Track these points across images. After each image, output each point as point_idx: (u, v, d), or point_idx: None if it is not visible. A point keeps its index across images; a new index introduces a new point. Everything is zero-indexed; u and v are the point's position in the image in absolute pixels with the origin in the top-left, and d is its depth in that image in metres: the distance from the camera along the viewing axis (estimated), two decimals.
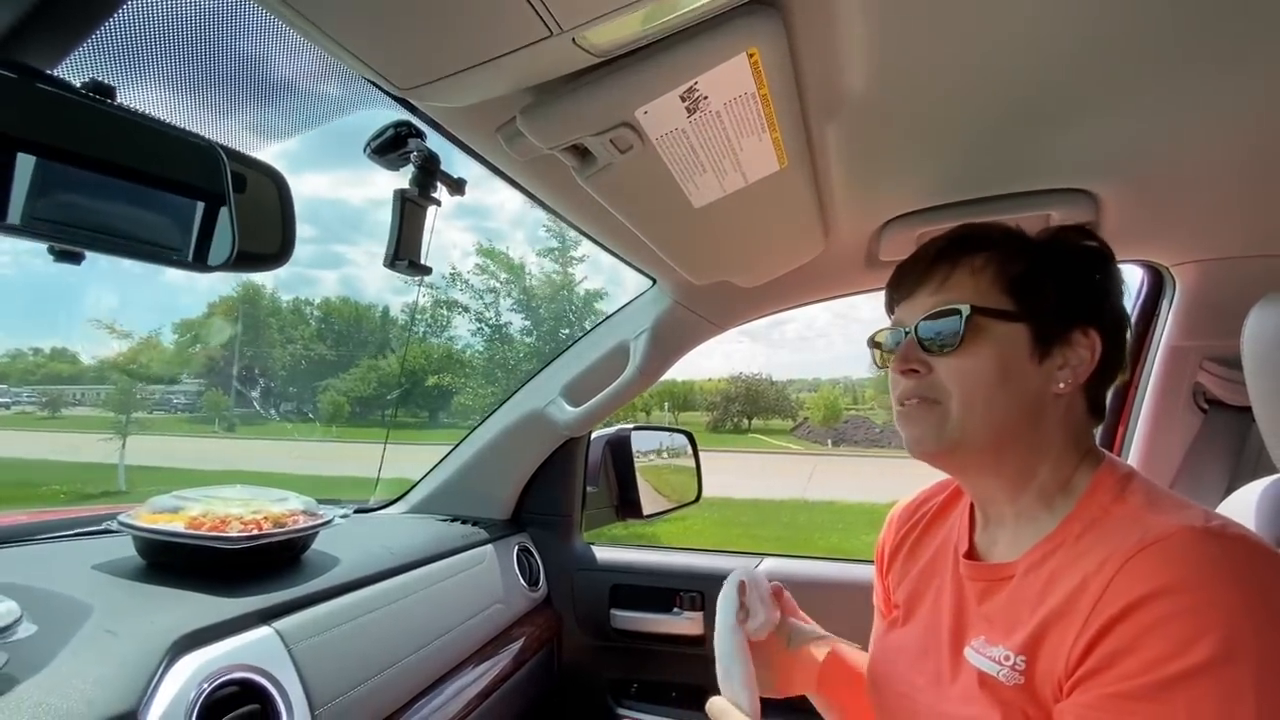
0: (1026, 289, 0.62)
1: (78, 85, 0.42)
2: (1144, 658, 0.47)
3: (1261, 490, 0.81)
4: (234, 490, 0.97)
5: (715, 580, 1.40)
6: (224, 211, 0.47)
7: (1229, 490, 0.89)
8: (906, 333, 0.66)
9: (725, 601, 0.76)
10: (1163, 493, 0.59)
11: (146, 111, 0.47)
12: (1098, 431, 1.30)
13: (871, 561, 0.88)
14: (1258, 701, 0.44)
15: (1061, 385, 0.62)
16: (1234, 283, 1.07)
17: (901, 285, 0.69)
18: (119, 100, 0.44)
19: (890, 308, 0.72)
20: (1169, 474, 1.18)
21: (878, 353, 0.72)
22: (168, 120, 0.48)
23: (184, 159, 0.46)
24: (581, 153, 0.62)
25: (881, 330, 0.72)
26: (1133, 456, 1.23)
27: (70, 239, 0.42)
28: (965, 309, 0.62)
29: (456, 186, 0.71)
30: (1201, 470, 1.15)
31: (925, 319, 0.64)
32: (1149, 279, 1.20)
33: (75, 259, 0.44)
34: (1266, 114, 0.68)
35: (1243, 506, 0.81)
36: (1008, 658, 0.56)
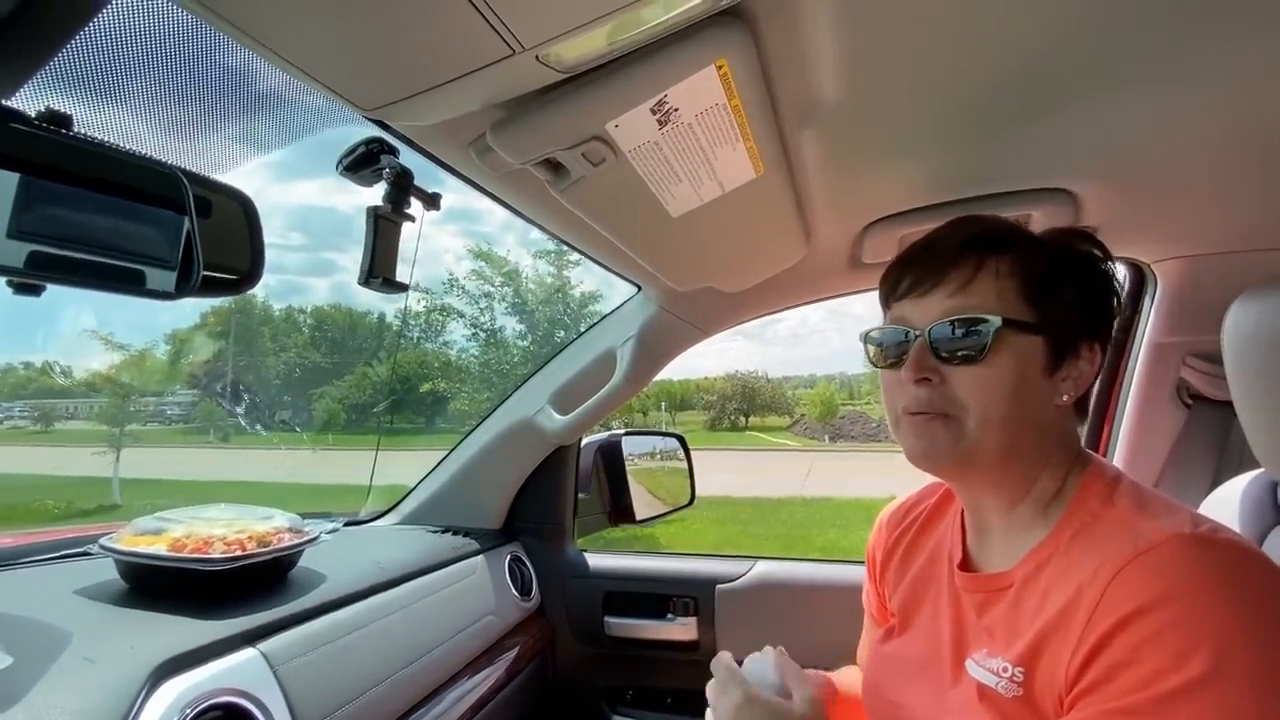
0: (1048, 300, 0.60)
1: (32, 115, 0.42)
2: (1141, 672, 0.47)
3: (1245, 484, 0.82)
4: (218, 509, 0.96)
5: (708, 585, 1.41)
6: (188, 236, 0.46)
7: (1214, 485, 0.89)
8: (915, 335, 0.62)
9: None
10: (1151, 495, 0.58)
11: (108, 138, 0.47)
12: (1083, 430, 1.31)
13: (863, 562, 0.87)
14: (1259, 711, 0.44)
15: (1065, 398, 0.61)
16: (1214, 279, 1.07)
17: (909, 280, 0.64)
18: (76, 129, 0.44)
19: (888, 301, 0.67)
20: (1154, 470, 1.19)
21: (874, 350, 0.67)
22: (131, 145, 0.48)
23: (145, 186, 0.46)
24: (554, 166, 0.62)
25: (879, 327, 0.67)
26: (1118, 454, 1.24)
27: (29, 275, 0.42)
28: (996, 321, 0.58)
29: (431, 201, 0.71)
30: (1187, 466, 1.16)
31: (944, 324, 0.60)
32: (1131, 276, 1.21)
33: (35, 291, 0.43)
34: (1245, 109, 0.68)
35: (1227, 501, 0.82)
36: (1005, 669, 0.56)
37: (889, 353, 0.65)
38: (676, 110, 0.57)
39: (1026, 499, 0.62)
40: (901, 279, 0.65)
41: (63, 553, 0.97)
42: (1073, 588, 0.53)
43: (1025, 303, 0.59)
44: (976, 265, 0.61)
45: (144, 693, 0.63)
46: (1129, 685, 0.47)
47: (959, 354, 0.59)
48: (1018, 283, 0.60)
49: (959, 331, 0.59)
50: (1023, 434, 0.60)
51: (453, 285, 14.73)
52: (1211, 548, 0.50)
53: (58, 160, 0.42)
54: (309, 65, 0.45)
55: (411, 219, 0.68)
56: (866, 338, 0.68)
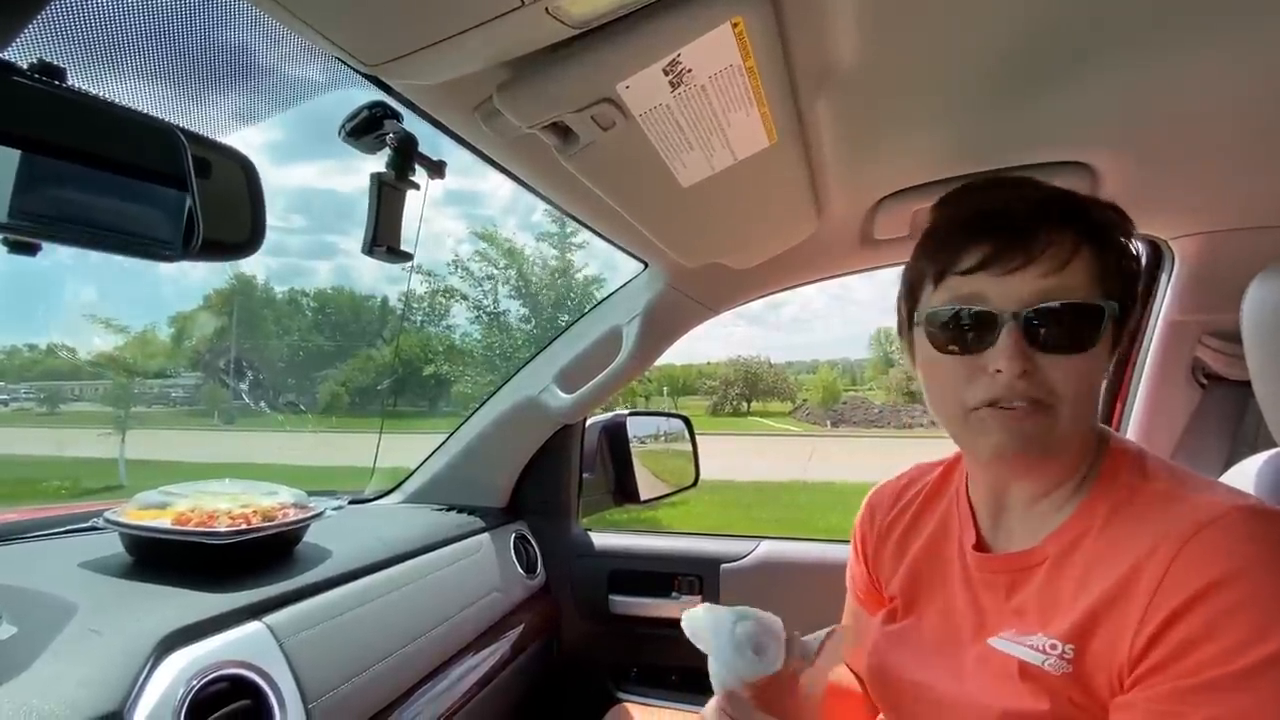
0: (1120, 281, 0.58)
1: (24, 67, 0.40)
2: (1222, 645, 0.46)
3: (1261, 464, 0.81)
4: (223, 484, 0.96)
5: (712, 564, 1.41)
6: (186, 198, 0.45)
7: (1227, 465, 0.88)
8: (1006, 318, 0.55)
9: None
10: (1184, 470, 0.58)
11: (101, 94, 0.45)
12: None
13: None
14: None
15: (1106, 375, 0.61)
16: (1234, 255, 1.05)
17: (985, 252, 0.56)
18: (70, 83, 0.42)
19: (946, 274, 0.59)
20: (1167, 449, 1.18)
21: (939, 334, 0.59)
22: (124, 103, 0.46)
23: (141, 143, 0.44)
24: (563, 131, 0.60)
25: (947, 307, 0.58)
26: (1131, 432, 1.22)
27: (23, 230, 0.40)
28: (1112, 307, 0.56)
29: (436, 169, 0.69)
30: (1200, 445, 1.14)
31: (1050, 309, 0.54)
32: (1148, 253, 1.19)
33: (30, 250, 0.42)
34: (1268, 81, 0.66)
35: (1241, 481, 0.81)
36: (1054, 646, 0.54)
37: (963, 337, 0.58)
38: (690, 71, 0.55)
39: (1056, 477, 0.61)
40: (967, 248, 0.57)
41: (68, 527, 0.97)
42: (1127, 563, 0.52)
43: (1112, 284, 0.57)
44: (1075, 244, 0.56)
45: (150, 663, 0.63)
46: (1207, 660, 0.46)
47: (1066, 342, 0.55)
48: (1105, 263, 0.57)
49: (1069, 319, 0.55)
50: (1093, 420, 0.60)
51: (456, 266, 14.67)
52: (1271, 520, 0.49)
53: (53, 114, 0.41)
54: (308, 15, 0.43)
55: (416, 186, 0.67)
56: (928, 319, 0.60)
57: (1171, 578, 0.49)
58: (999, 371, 0.55)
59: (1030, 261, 0.55)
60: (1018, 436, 0.56)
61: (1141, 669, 0.49)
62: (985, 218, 0.58)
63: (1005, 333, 0.55)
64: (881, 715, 0.76)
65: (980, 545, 0.67)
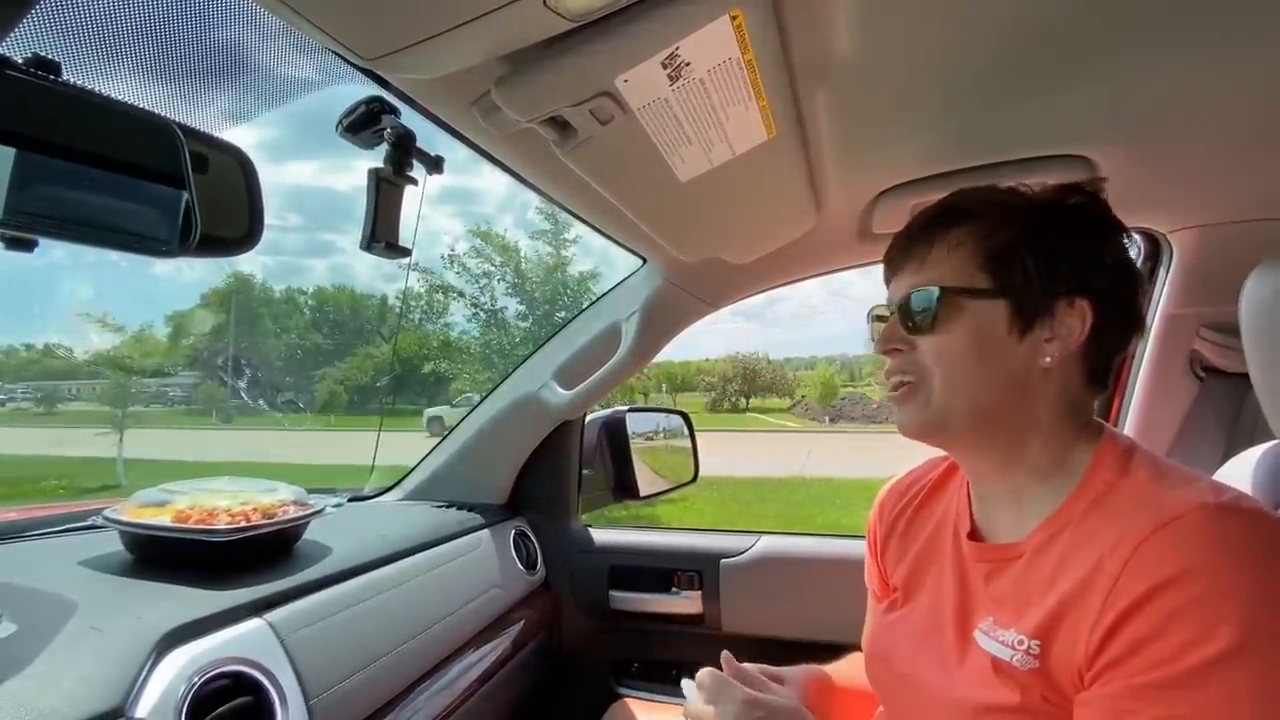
0: (1004, 263, 0.60)
1: (19, 62, 0.40)
2: (1171, 644, 0.46)
3: (1258, 457, 0.81)
4: (222, 482, 0.96)
5: (712, 559, 1.42)
6: (184, 194, 0.45)
7: (1225, 458, 0.88)
8: (893, 311, 0.66)
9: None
10: (1169, 465, 0.58)
11: (97, 90, 0.45)
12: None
13: (864, 537, 0.87)
14: None
15: (1048, 359, 0.60)
16: (1232, 248, 1.05)
17: (891, 261, 0.69)
18: (66, 78, 0.42)
19: (886, 282, 0.71)
20: (1165, 443, 1.18)
21: (876, 328, 0.71)
22: (121, 98, 0.46)
23: (138, 139, 0.44)
24: (561, 125, 0.60)
25: (879, 305, 0.72)
26: (1129, 426, 1.23)
27: (20, 227, 0.40)
28: (936, 290, 0.62)
29: (435, 164, 0.69)
30: (1198, 438, 1.15)
31: (904, 298, 0.64)
32: (1146, 247, 1.19)
33: (27, 246, 0.42)
34: (1265, 72, 0.66)
35: (1239, 473, 0.81)
36: (1021, 642, 0.55)
37: (876, 332, 0.70)
38: (688, 65, 0.55)
39: (1019, 467, 0.62)
40: (888, 261, 0.70)
41: (67, 525, 0.96)
42: (1092, 559, 0.52)
43: (979, 269, 0.61)
44: (931, 241, 0.64)
45: (151, 660, 0.63)
46: (1157, 659, 0.46)
47: (917, 325, 0.63)
48: (970, 250, 0.62)
49: (914, 304, 0.63)
50: (993, 398, 0.61)
51: (453, 262, 14.61)
52: (1236, 517, 0.49)
53: (49, 109, 0.40)
54: (303, 8, 0.43)
55: (414, 181, 0.66)
56: (871, 316, 0.73)
57: (1127, 575, 0.49)
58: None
59: (907, 262, 0.66)
60: (903, 415, 0.65)
61: (1098, 666, 0.50)
62: (897, 236, 0.69)
63: (890, 321, 0.66)
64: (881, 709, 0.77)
65: (974, 534, 0.68)
